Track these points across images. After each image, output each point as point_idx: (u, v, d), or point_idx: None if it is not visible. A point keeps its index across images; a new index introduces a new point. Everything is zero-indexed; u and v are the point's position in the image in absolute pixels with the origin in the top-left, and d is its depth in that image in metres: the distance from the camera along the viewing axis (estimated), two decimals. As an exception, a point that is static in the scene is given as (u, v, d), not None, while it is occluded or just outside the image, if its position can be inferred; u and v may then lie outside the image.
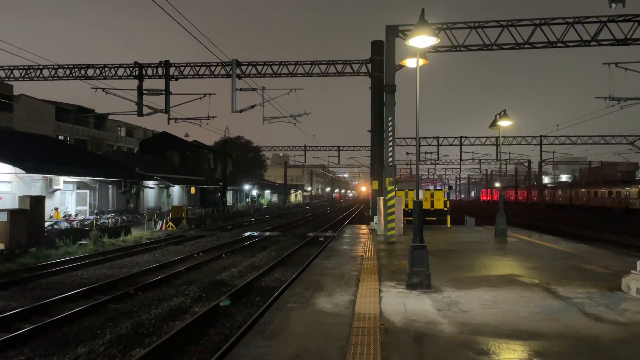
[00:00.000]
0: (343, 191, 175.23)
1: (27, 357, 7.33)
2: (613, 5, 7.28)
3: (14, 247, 17.05)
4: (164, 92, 25.34)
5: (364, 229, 21.98)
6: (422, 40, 8.50)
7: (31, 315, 9.60)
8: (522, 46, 20.31)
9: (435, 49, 20.31)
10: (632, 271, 7.88)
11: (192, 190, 46.43)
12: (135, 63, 25.67)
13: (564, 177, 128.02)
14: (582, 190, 59.85)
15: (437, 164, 71.20)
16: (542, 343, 5.43)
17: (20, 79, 26.73)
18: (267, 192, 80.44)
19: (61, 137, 47.85)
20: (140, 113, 25.50)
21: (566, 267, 10.72)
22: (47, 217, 21.61)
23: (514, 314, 6.70)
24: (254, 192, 71.54)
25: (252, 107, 26.20)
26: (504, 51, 21.00)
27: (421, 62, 9.31)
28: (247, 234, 27.24)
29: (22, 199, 19.11)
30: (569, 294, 7.87)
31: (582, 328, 6.00)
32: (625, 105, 27.72)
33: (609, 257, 12.50)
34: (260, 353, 5.24)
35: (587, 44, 19.93)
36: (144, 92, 25.56)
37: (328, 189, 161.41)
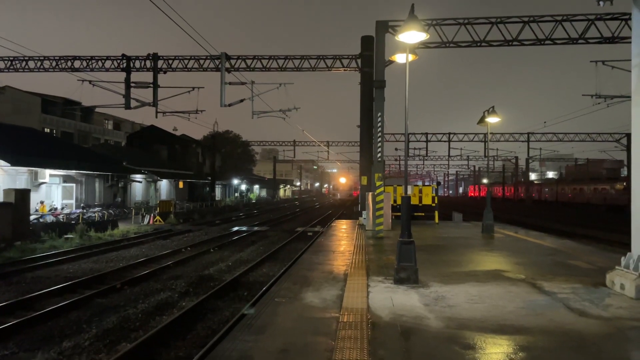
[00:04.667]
0: (332, 186, 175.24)
1: (11, 351, 7.25)
2: (601, 3, 7.34)
3: (-1, 241, 16.84)
4: (152, 85, 25.13)
5: (352, 225, 22.02)
6: (412, 35, 8.50)
7: (16, 309, 9.49)
8: (510, 43, 20.42)
9: (425, 45, 20.35)
10: (617, 267, 7.98)
11: (180, 185, 46.19)
12: (123, 55, 25.40)
13: (550, 174, 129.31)
14: (568, 187, 60.52)
15: (426, 160, 71.41)
16: (528, 338, 5.48)
17: (5, 70, 26.32)
18: (256, 187, 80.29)
19: (47, 130, 47.24)
20: (127, 106, 25.27)
21: (551, 263, 10.83)
22: (32, 210, 21.38)
23: (499, 309, 6.75)
24: (243, 187, 71.33)
25: (241, 101, 26.10)
26: (493, 48, 21.11)
27: (411, 57, 9.32)
28: (236, 228, 27.16)
29: (6, 192, 18.87)
30: (554, 289, 7.95)
31: (567, 323, 6.07)
32: (612, 103, 28.09)
33: (594, 253, 12.66)
34: (248, 347, 5.22)
35: (574, 41, 20.10)
36: (132, 85, 25.32)
37: (317, 184, 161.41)
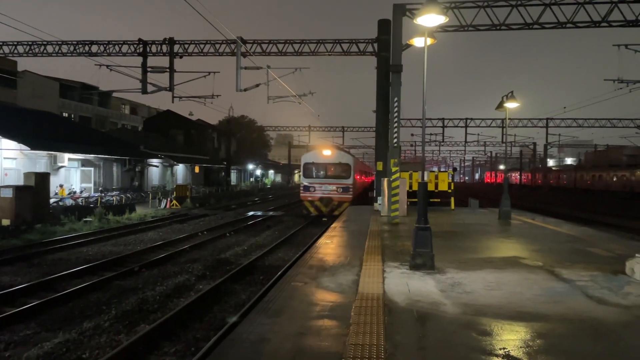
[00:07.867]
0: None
1: (33, 331, 7.43)
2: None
3: (20, 223, 17.17)
4: (168, 70, 25.20)
5: (367, 210, 21.98)
6: (431, 18, 8.35)
7: (37, 290, 9.71)
8: (531, 26, 19.98)
9: (443, 29, 20.02)
10: (637, 255, 7.85)
11: (196, 169, 46.51)
12: (140, 40, 25.46)
13: (569, 160, 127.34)
14: (587, 173, 59.59)
15: (442, 145, 70.81)
16: (545, 325, 5.44)
17: (24, 55, 26.57)
18: (271, 172, 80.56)
19: (65, 114, 47.80)
20: (144, 91, 25.40)
21: (570, 250, 10.70)
22: (52, 193, 21.72)
23: (517, 295, 6.70)
24: (258, 172, 71.61)
25: (257, 86, 26.05)
26: (512, 32, 20.69)
27: (429, 41, 9.17)
28: (251, 213, 27.33)
29: (27, 175, 19.18)
30: (573, 277, 7.87)
31: (585, 311, 6.00)
32: (634, 88, 27.47)
33: (613, 240, 12.48)
34: (265, 330, 5.27)
35: (597, 24, 19.58)
36: (148, 69, 25.41)
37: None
